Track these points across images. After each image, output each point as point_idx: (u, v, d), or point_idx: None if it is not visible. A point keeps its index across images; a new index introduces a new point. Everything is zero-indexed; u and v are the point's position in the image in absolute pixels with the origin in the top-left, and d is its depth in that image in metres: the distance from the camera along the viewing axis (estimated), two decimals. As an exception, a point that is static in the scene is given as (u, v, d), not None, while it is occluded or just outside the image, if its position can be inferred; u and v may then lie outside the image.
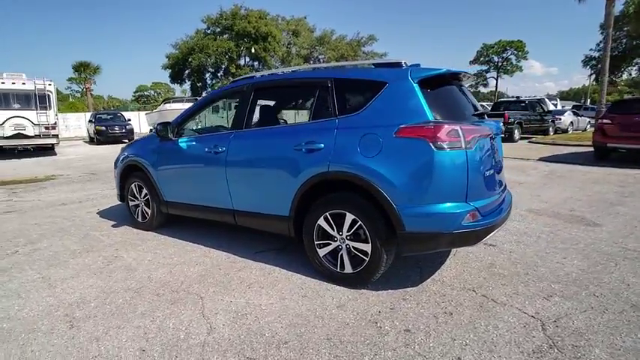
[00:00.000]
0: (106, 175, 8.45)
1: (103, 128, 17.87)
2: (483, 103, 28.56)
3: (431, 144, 2.30)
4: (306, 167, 2.75)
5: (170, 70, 35.22)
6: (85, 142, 20.24)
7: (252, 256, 3.36)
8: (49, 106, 12.19)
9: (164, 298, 2.63)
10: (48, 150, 13.47)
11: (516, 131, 14.53)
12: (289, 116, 4.15)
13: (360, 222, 2.59)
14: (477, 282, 2.79)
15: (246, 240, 3.73)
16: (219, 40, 33.15)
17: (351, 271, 2.69)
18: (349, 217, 2.63)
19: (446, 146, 2.30)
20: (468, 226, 2.36)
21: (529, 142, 14.34)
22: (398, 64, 2.72)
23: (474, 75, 3.30)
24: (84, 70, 38.04)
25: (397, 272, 2.96)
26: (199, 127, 4.45)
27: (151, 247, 3.71)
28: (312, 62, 39.91)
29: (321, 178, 2.68)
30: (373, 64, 2.95)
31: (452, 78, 2.90)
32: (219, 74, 36.10)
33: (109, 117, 19.70)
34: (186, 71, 34.84)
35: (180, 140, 3.68)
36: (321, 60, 39.96)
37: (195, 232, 4.04)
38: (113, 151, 11.30)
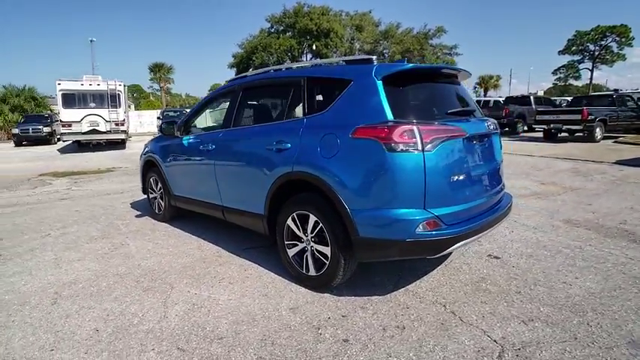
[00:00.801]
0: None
1: (169, 125, 19.63)
2: (567, 98, 25.67)
3: (383, 145, 2.19)
4: (276, 167, 2.79)
5: (236, 69, 37.41)
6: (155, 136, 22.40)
7: (239, 252, 3.50)
8: (119, 104, 13.82)
9: (141, 285, 2.88)
10: (119, 144, 15.26)
11: (598, 130, 12.80)
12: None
13: (321, 224, 2.56)
14: (453, 297, 2.58)
15: (242, 237, 3.88)
16: (282, 38, 34.33)
17: (315, 274, 2.68)
18: (312, 219, 2.61)
19: (399, 148, 2.17)
20: (425, 236, 2.20)
21: (614, 142, 12.56)
22: (368, 61, 2.62)
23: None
24: (159, 70, 42.25)
25: (371, 279, 2.87)
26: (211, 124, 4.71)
27: (156, 237, 4.05)
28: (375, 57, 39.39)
29: (287, 178, 2.71)
30: (345, 60, 2.87)
31: (434, 74, 2.71)
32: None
33: (174, 114, 21.62)
34: (250, 69, 36.71)
35: (184, 138, 3.96)
36: (386, 55, 39.21)
37: (202, 226, 4.30)
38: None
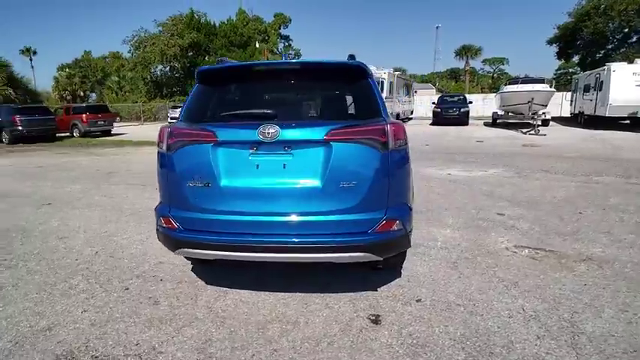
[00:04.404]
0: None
1: (438, 110, 20.22)
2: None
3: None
4: None
5: (557, 44, 31.77)
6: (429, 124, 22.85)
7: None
8: (382, 90, 16.22)
9: (139, 218, 4.37)
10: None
11: None
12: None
13: None
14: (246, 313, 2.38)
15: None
16: (636, -7, 25.76)
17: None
18: None
19: (159, 147, 2.48)
20: (162, 230, 2.47)
21: None
22: (219, 61, 2.75)
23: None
24: (465, 52, 42.48)
25: (267, 279, 2.88)
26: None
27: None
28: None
29: None
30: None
31: (250, 73, 2.70)
32: (628, 42, 28.29)
33: (450, 99, 21.74)
34: (578, 42, 30.03)
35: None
36: None
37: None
38: (439, 131, 14.60)
